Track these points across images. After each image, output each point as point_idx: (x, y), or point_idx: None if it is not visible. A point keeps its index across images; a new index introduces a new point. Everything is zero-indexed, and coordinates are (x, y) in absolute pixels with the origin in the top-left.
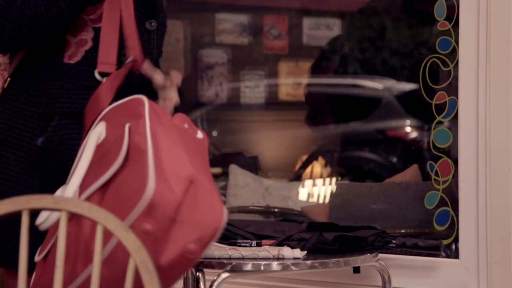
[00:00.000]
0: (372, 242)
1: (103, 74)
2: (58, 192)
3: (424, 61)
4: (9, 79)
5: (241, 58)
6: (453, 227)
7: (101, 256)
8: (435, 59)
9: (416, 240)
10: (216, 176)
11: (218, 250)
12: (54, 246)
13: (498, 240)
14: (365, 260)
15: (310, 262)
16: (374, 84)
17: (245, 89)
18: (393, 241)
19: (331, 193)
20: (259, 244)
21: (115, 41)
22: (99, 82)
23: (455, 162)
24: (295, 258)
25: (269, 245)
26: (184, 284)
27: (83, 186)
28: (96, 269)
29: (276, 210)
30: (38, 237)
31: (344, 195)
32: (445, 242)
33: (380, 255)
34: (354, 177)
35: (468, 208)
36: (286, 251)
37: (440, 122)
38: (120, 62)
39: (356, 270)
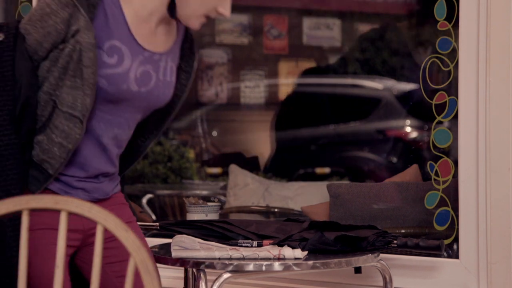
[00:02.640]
0: (373, 242)
1: None
2: None
3: (424, 61)
4: None
5: (241, 58)
6: (453, 227)
7: (101, 256)
8: (435, 59)
9: (417, 240)
10: (216, 176)
11: (219, 250)
12: None
13: (498, 240)
14: (366, 260)
15: (312, 262)
16: (374, 84)
17: (245, 89)
18: (394, 241)
19: (331, 193)
20: (260, 245)
21: None
22: None
23: (455, 162)
24: (296, 258)
25: (270, 244)
26: (185, 284)
27: None
28: (96, 269)
29: (276, 210)
30: None
31: (344, 195)
32: (445, 242)
33: (381, 255)
34: (354, 177)
35: (468, 208)
36: (287, 251)
37: (440, 122)
38: None
39: (358, 270)
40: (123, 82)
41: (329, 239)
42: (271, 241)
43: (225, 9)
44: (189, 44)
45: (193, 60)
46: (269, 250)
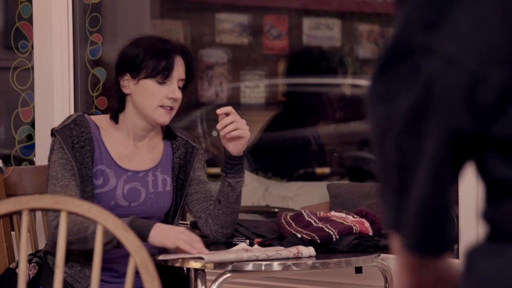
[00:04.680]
0: (355, 245)
1: None
2: None
3: None
4: None
5: (241, 58)
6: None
7: (101, 256)
8: None
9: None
10: (216, 176)
11: (234, 253)
12: None
13: None
14: (366, 261)
15: (311, 262)
16: None
17: (245, 89)
18: (379, 243)
19: (331, 193)
20: (251, 243)
21: None
22: None
23: None
24: (310, 257)
25: (258, 242)
26: (189, 285)
27: None
28: (96, 269)
29: (276, 210)
30: None
31: (344, 195)
32: None
33: (382, 255)
34: (354, 177)
35: (468, 208)
36: (304, 250)
37: None
38: None
39: (358, 270)
40: (111, 199)
41: (299, 239)
42: (260, 240)
43: (175, 93)
44: (180, 154)
45: (189, 169)
46: (289, 249)
